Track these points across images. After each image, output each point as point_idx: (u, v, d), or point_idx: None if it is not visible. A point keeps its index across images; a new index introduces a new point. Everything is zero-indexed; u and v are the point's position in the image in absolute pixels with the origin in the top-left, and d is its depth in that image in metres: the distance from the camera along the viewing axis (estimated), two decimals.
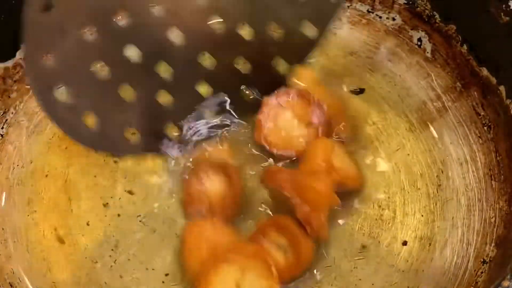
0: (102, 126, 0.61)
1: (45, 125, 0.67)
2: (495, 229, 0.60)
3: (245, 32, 0.61)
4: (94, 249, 0.62)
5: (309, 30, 0.62)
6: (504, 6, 0.59)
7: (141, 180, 0.65)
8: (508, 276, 0.54)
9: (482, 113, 0.63)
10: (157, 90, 0.63)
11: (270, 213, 0.59)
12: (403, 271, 0.59)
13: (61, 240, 0.62)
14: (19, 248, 0.62)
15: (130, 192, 0.64)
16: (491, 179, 0.60)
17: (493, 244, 0.60)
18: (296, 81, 0.63)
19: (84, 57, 0.58)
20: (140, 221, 0.63)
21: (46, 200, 0.64)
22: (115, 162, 0.66)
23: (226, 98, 0.64)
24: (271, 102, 0.62)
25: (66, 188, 0.65)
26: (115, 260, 0.61)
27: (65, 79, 0.57)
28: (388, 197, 0.62)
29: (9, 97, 0.67)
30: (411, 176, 0.63)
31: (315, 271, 0.57)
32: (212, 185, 0.61)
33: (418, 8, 0.69)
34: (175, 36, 0.60)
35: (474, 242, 0.61)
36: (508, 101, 0.62)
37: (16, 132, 0.67)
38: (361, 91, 0.67)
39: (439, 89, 0.67)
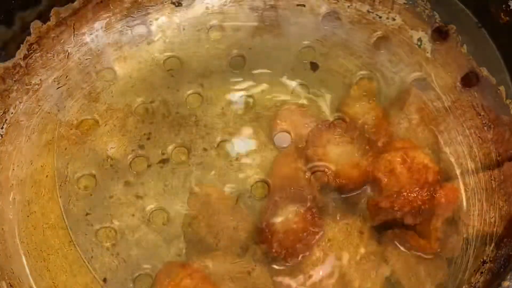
0: None
1: (44, 125, 0.67)
2: (495, 229, 0.60)
3: None
4: (93, 249, 0.62)
5: None
6: (504, 6, 0.59)
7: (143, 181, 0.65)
8: (508, 276, 0.54)
9: (482, 113, 0.62)
10: None
11: None
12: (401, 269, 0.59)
13: (61, 241, 0.62)
14: (18, 248, 0.62)
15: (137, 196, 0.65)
16: (491, 179, 0.60)
17: (493, 245, 0.60)
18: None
19: None
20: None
21: (46, 200, 0.64)
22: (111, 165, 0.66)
23: None
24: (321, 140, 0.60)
25: (65, 188, 0.65)
26: (115, 260, 0.61)
27: None
28: None
29: (8, 97, 0.66)
30: None
31: None
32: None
33: (418, 8, 0.69)
34: None
35: (474, 242, 0.60)
36: (508, 101, 0.62)
37: (16, 132, 0.67)
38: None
39: (439, 89, 0.67)
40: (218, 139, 0.67)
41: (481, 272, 0.59)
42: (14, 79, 0.66)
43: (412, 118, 0.57)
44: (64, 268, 0.61)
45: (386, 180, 0.55)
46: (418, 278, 0.55)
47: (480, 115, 0.57)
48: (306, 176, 0.64)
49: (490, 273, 0.59)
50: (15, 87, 0.67)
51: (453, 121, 0.57)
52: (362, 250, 0.52)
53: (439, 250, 0.55)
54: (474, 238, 0.58)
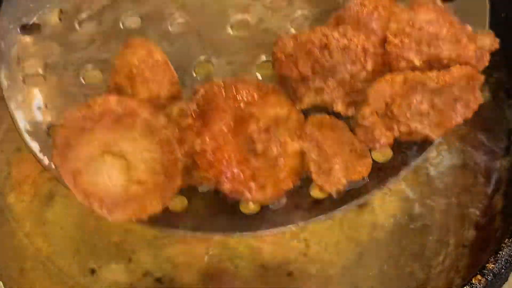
0: None
1: (16, 131, 0.66)
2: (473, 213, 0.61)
3: None
4: (70, 257, 0.61)
5: None
6: None
7: None
8: (492, 259, 0.58)
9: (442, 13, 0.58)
10: None
11: None
12: None
13: (38, 249, 0.61)
14: None
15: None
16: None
17: (471, 228, 0.61)
18: None
19: None
20: None
21: (21, 208, 0.63)
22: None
23: None
24: None
25: (40, 195, 0.64)
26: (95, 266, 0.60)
27: None
28: None
29: None
30: None
31: None
32: None
33: None
34: None
35: (453, 227, 0.62)
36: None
37: None
38: None
39: None
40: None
41: (482, 273, 0.58)
42: None
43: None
44: (43, 278, 0.60)
45: (318, 53, 0.51)
46: None
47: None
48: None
49: (491, 273, 0.58)
50: None
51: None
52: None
53: (363, 139, 0.51)
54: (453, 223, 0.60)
